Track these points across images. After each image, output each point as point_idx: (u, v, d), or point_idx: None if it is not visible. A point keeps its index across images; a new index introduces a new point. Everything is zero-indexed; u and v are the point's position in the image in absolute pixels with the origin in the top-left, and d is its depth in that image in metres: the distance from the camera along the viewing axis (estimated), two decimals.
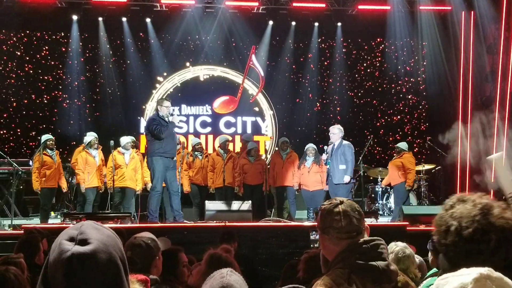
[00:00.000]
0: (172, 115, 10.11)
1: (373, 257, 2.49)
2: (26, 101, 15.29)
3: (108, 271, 1.60)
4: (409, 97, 16.45)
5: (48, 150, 11.27)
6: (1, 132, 15.02)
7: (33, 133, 14.99)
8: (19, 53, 15.44)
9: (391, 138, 16.13)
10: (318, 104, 16.29)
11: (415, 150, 15.98)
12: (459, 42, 14.96)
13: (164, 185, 10.39)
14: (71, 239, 1.60)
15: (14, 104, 15.25)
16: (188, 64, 16.08)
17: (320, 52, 16.38)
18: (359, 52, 16.60)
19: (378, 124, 16.33)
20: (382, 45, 16.51)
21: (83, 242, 1.59)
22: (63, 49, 15.61)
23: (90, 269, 1.57)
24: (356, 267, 2.45)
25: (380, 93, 16.50)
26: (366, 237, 2.60)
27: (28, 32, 15.48)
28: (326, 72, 16.45)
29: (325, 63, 16.46)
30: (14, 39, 15.44)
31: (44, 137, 11.44)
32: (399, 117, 16.41)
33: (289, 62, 16.25)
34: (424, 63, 16.32)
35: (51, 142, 11.34)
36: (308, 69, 16.26)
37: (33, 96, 15.34)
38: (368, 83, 16.53)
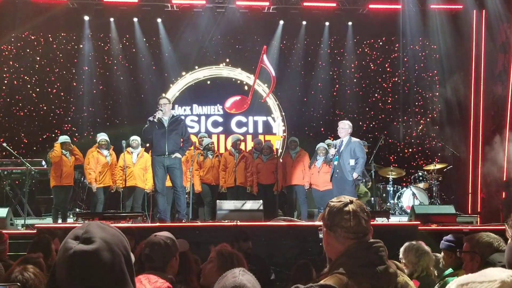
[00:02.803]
0: (161, 110, 9.91)
1: (373, 261, 2.48)
2: (38, 101, 15.42)
3: (111, 269, 1.64)
4: (421, 96, 16.35)
5: (63, 151, 11.35)
6: (14, 132, 15.13)
7: (47, 133, 15.14)
8: (31, 54, 15.54)
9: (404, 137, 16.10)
10: (329, 103, 16.24)
11: (426, 151, 15.97)
12: (471, 40, 14.91)
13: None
14: (76, 238, 1.66)
15: (27, 104, 15.38)
16: (199, 64, 16.10)
17: (330, 51, 16.35)
18: (370, 51, 16.55)
19: (388, 121, 16.26)
20: (393, 44, 16.45)
21: (87, 240, 1.64)
22: (75, 50, 15.71)
23: (92, 266, 1.61)
24: (355, 272, 2.44)
25: (391, 92, 16.44)
26: (371, 239, 2.58)
27: (40, 33, 15.59)
28: (336, 71, 16.40)
29: (336, 62, 16.42)
30: (27, 39, 15.55)
31: (61, 139, 11.51)
32: (410, 116, 16.34)
33: (300, 62, 16.22)
34: (436, 59, 16.20)
35: (68, 143, 11.44)
36: (319, 69, 16.22)
37: (45, 96, 15.45)
38: (379, 82, 16.47)
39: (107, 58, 15.84)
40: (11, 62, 15.42)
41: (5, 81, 15.36)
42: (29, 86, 15.44)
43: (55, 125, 15.24)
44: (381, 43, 16.49)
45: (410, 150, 15.78)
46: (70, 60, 15.69)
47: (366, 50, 16.51)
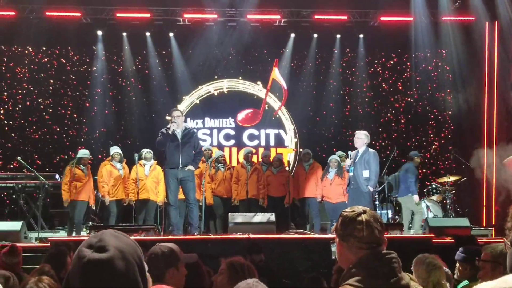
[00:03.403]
0: (175, 122, 9.97)
1: (384, 272, 2.45)
2: (52, 123, 15.55)
3: (125, 277, 1.63)
4: (434, 109, 16.30)
5: (81, 165, 11.41)
6: (28, 154, 15.20)
7: (60, 155, 15.22)
8: (45, 69, 15.71)
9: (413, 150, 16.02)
10: (340, 116, 16.23)
11: (439, 163, 15.89)
12: (483, 52, 14.86)
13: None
14: (90, 246, 1.65)
15: (41, 126, 15.52)
16: (210, 77, 16.16)
17: (342, 64, 16.36)
18: (381, 63, 16.54)
19: (401, 135, 16.22)
20: (405, 57, 16.42)
21: (101, 249, 1.64)
22: (88, 64, 15.86)
23: (105, 275, 1.61)
24: (366, 284, 2.41)
25: (404, 105, 16.40)
26: (384, 250, 2.56)
27: (53, 48, 15.76)
28: (348, 84, 16.40)
29: (347, 75, 16.41)
30: (40, 55, 15.73)
31: (81, 153, 11.54)
32: (422, 129, 16.28)
33: (311, 74, 16.23)
34: (449, 74, 16.16)
35: (86, 158, 11.49)
36: (330, 81, 16.23)
37: (58, 117, 15.59)
38: (390, 94, 16.44)
39: (120, 78, 15.95)
40: (25, 85, 15.60)
41: (19, 103, 15.53)
42: (42, 107, 15.59)
43: (68, 147, 15.31)
44: (392, 55, 16.48)
45: (424, 170, 15.64)
46: (83, 81, 15.82)
47: (378, 69, 16.49)
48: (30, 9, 14.72)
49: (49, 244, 8.60)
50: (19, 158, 11.99)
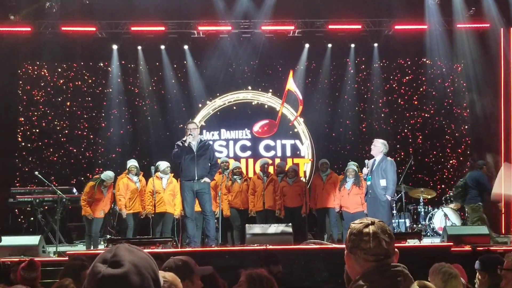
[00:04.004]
0: (191, 134, 10.03)
1: (387, 286, 2.39)
2: (68, 145, 15.73)
3: None
4: (452, 118, 16.22)
5: (102, 187, 11.50)
6: (46, 177, 15.31)
7: (78, 176, 15.35)
8: (60, 83, 15.89)
9: (431, 159, 15.93)
10: (356, 125, 16.18)
11: (456, 171, 15.76)
12: (499, 58, 14.75)
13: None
14: (104, 261, 1.65)
15: (58, 149, 15.68)
16: (225, 89, 16.23)
17: (357, 73, 16.33)
18: (396, 72, 16.49)
19: (419, 143, 16.14)
20: (420, 65, 16.37)
21: (115, 264, 1.63)
22: (104, 86, 16.05)
23: None
24: None
25: (419, 113, 16.32)
26: (393, 262, 2.49)
27: (69, 62, 15.93)
28: (363, 93, 16.38)
29: (362, 83, 16.38)
30: (56, 77, 15.93)
31: (105, 176, 11.57)
32: (438, 138, 16.18)
33: (326, 84, 16.25)
34: (464, 82, 16.08)
35: (109, 182, 11.55)
36: (345, 90, 16.22)
37: (75, 139, 15.77)
38: (406, 103, 16.38)
39: (135, 85, 16.07)
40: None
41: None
42: (58, 128, 15.78)
43: (85, 169, 15.49)
44: (407, 64, 16.43)
45: (443, 186, 15.53)
46: (100, 88, 16.00)
47: (392, 71, 16.46)
48: (45, 25, 14.89)
49: (67, 258, 8.64)
50: (36, 172, 12.08)
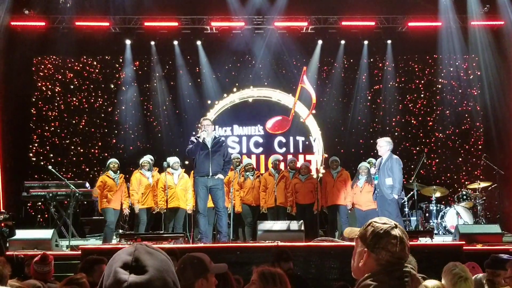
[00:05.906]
0: (205, 131, 10.04)
1: (393, 286, 2.41)
2: (82, 125, 15.79)
3: None
4: (464, 115, 16.12)
5: (111, 173, 11.52)
6: (59, 155, 15.48)
7: (90, 156, 15.51)
8: (75, 78, 15.96)
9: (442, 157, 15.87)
10: (369, 122, 16.15)
11: (469, 169, 15.68)
12: None
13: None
14: (126, 266, 1.61)
15: (71, 128, 15.76)
16: (239, 85, 16.24)
17: (370, 70, 16.29)
18: (410, 69, 16.42)
19: (432, 140, 16.07)
20: (434, 62, 16.28)
21: (139, 270, 1.60)
22: (118, 73, 16.10)
23: None
24: None
25: (433, 110, 16.25)
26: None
27: (83, 57, 16.00)
28: (376, 90, 16.33)
29: (375, 80, 16.33)
30: (70, 64, 15.98)
31: (109, 161, 11.74)
32: (452, 135, 16.09)
33: (339, 81, 16.21)
34: (478, 80, 15.97)
35: (113, 165, 11.60)
36: (358, 87, 16.18)
37: (89, 120, 15.83)
38: (419, 100, 16.31)
39: (148, 80, 16.14)
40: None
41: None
42: (72, 110, 15.83)
43: (99, 148, 15.68)
44: (421, 61, 16.37)
45: (456, 184, 15.43)
46: (113, 83, 16.13)
47: (405, 68, 16.39)
48: (60, 20, 14.97)
49: (80, 252, 8.69)
50: (49, 167, 12.15)
